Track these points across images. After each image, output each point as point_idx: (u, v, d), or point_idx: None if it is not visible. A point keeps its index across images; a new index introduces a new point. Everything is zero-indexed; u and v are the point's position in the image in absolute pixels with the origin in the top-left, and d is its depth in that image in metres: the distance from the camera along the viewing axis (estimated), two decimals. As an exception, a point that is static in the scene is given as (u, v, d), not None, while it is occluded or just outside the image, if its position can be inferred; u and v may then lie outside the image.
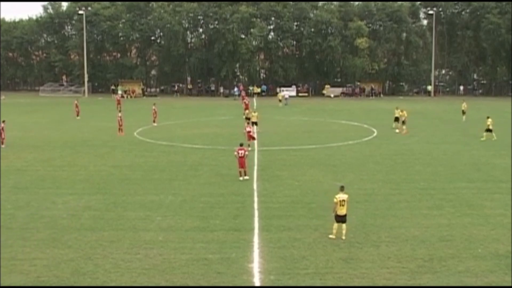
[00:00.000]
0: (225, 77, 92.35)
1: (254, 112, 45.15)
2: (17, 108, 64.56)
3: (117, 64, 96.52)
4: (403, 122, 41.85)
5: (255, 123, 40.71)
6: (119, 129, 40.92)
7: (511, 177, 24.87)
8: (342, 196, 16.64)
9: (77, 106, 53.84)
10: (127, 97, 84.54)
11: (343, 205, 16.53)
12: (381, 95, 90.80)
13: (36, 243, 16.20)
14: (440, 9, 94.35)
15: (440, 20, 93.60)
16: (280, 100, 70.41)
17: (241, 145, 25.68)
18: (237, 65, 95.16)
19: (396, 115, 43.92)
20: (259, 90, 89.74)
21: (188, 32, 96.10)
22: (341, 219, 16.53)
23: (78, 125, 46.93)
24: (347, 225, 16.64)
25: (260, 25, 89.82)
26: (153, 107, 48.38)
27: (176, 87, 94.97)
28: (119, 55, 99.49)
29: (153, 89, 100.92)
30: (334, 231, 16.53)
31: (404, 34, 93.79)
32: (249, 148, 30.18)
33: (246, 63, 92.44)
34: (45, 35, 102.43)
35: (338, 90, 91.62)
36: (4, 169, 26.89)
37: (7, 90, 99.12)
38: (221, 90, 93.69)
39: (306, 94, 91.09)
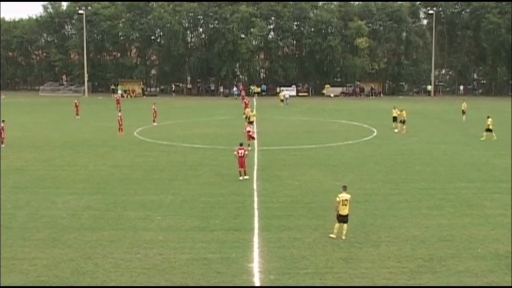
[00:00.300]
0: (225, 77, 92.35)
1: (252, 111, 45.21)
2: (17, 108, 64.55)
3: (117, 64, 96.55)
4: (403, 122, 41.85)
5: (251, 123, 40.61)
6: (119, 128, 40.92)
7: (511, 177, 24.87)
8: (345, 195, 16.62)
9: (76, 106, 53.85)
10: (127, 96, 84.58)
11: (345, 205, 16.52)
12: (381, 95, 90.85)
13: (36, 242, 16.20)
14: (440, 9, 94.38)
15: (440, 20, 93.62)
16: (282, 100, 70.36)
17: (241, 144, 25.67)
18: (237, 65, 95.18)
19: (394, 114, 43.99)
20: (259, 89, 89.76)
21: (188, 32, 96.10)
22: (343, 219, 16.52)
23: (78, 125, 46.93)
24: (348, 225, 16.63)
25: (260, 25, 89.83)
26: (153, 107, 48.37)
27: (174, 87, 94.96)
28: (119, 54, 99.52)
29: (153, 89, 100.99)
30: (335, 230, 16.52)
31: (404, 34, 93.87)
32: (249, 148, 30.17)
33: (246, 63, 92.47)
34: (45, 35, 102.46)
35: (338, 89, 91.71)
36: (4, 169, 26.88)
37: (7, 89, 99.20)
38: (221, 89, 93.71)
39: (306, 94, 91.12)
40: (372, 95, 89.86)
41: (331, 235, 16.50)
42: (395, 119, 43.69)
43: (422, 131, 42.65)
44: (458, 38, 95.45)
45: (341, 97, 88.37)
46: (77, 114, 53.09)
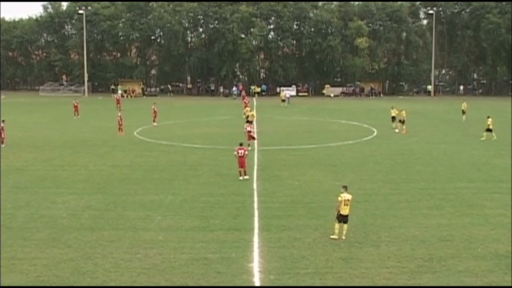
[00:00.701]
0: (225, 77, 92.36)
1: (251, 111, 45.22)
2: (17, 108, 64.55)
3: (117, 64, 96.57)
4: (402, 122, 41.86)
5: (250, 122, 40.52)
6: (119, 128, 40.92)
7: (511, 177, 24.87)
8: (346, 195, 16.60)
9: (75, 106, 53.74)
10: (127, 96, 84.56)
11: (347, 205, 16.50)
12: (381, 95, 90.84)
13: (36, 242, 16.19)
14: (440, 9, 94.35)
15: (440, 20, 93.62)
16: (283, 100, 70.20)
17: (241, 144, 25.67)
18: (237, 65, 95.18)
19: (393, 114, 44.07)
20: (259, 89, 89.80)
21: (188, 32, 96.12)
22: (343, 219, 16.49)
23: (78, 125, 46.92)
24: (348, 225, 16.62)
25: (260, 25, 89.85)
26: (153, 107, 48.38)
27: (170, 87, 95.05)
28: (119, 54, 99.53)
29: (153, 89, 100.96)
30: (336, 231, 16.46)
31: (404, 34, 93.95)
32: (249, 148, 30.14)
33: (246, 63, 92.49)
34: (45, 35, 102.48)
35: (338, 89, 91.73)
36: (4, 169, 26.88)
37: (7, 89, 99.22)
38: (221, 89, 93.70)
39: (306, 94, 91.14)
40: (372, 95, 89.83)
41: (332, 236, 16.44)
42: (393, 119, 43.80)
43: (422, 131, 42.65)
44: (458, 38, 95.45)
45: (341, 97, 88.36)
46: (77, 114, 53.03)
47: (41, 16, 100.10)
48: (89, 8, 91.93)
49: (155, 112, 47.57)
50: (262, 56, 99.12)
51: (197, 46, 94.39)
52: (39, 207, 20.08)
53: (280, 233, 17.07)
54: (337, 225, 16.54)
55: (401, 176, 25.69)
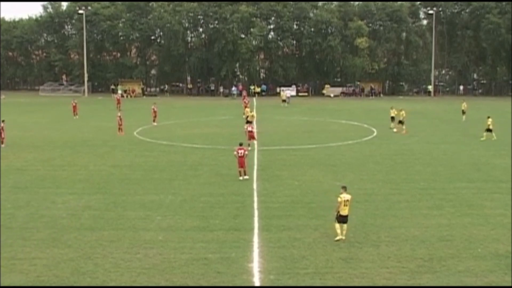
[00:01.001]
0: (225, 77, 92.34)
1: (251, 111, 45.21)
2: (17, 108, 64.55)
3: (117, 64, 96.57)
4: (401, 122, 41.87)
5: (249, 122, 40.47)
6: (119, 128, 40.92)
7: (511, 177, 24.87)
8: (346, 196, 16.58)
9: (74, 106, 53.66)
10: (127, 96, 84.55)
11: (346, 205, 16.49)
12: (381, 95, 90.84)
13: (36, 242, 16.20)
14: (440, 9, 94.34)
15: (440, 20, 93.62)
16: (284, 100, 70.03)
17: (241, 144, 25.67)
18: (237, 65, 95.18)
19: (392, 114, 44.10)
20: (259, 89, 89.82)
21: (188, 32, 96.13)
22: (343, 219, 16.47)
23: (78, 125, 46.92)
24: (347, 225, 16.61)
25: (260, 25, 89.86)
26: (153, 107, 48.38)
27: (167, 87, 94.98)
28: (119, 54, 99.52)
29: (153, 89, 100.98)
30: (338, 231, 16.42)
31: (404, 34, 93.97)
32: (249, 148, 30.16)
33: (246, 63, 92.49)
34: (45, 35, 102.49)
35: (338, 89, 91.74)
36: (4, 169, 26.88)
37: (7, 89, 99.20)
38: (221, 89, 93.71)
39: (306, 94, 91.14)
40: (372, 95, 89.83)
41: (336, 238, 16.25)
42: (393, 119, 43.84)
43: (422, 131, 42.66)
44: (458, 38, 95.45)
45: (341, 97, 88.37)
46: (76, 114, 53.00)
47: (41, 16, 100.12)
48: (89, 8, 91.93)
49: (155, 112, 47.58)
50: (262, 56, 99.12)
51: (197, 46, 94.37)
52: (39, 207, 20.08)
53: (280, 233, 17.08)
54: (337, 225, 16.53)
55: (401, 176, 25.69)
